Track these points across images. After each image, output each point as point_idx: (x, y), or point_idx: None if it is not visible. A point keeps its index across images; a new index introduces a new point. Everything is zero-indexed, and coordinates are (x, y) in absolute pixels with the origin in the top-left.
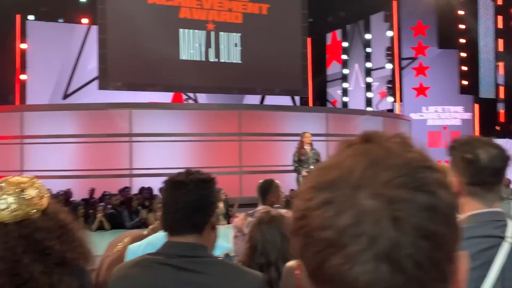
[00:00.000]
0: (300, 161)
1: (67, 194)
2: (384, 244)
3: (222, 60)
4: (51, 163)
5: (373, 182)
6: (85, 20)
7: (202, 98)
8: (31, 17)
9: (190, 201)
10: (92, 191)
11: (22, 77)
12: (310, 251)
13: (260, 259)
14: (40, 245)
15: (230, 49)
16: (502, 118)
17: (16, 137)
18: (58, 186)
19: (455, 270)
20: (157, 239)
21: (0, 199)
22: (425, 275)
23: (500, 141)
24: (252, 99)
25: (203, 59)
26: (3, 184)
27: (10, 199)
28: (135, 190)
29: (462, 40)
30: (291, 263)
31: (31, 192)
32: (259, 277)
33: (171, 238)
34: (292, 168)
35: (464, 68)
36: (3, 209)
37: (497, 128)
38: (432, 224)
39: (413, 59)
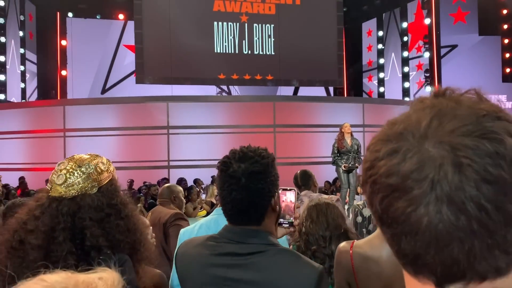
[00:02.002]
0: (339, 153)
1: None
2: (446, 187)
3: (256, 52)
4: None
5: (438, 132)
6: (121, 16)
7: (236, 90)
8: (70, 14)
9: (242, 197)
10: (131, 182)
11: (63, 72)
12: (377, 197)
13: (325, 232)
14: (79, 225)
15: (264, 41)
16: None
17: (59, 130)
18: None
19: None
20: (209, 221)
21: (59, 174)
22: (489, 218)
23: None
24: (286, 90)
25: (237, 51)
26: (65, 160)
27: (68, 174)
28: (172, 181)
29: (505, 26)
30: (344, 244)
31: (89, 168)
32: (317, 269)
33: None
34: (329, 160)
35: (507, 55)
36: (60, 184)
37: None
38: (496, 169)
39: (453, 46)
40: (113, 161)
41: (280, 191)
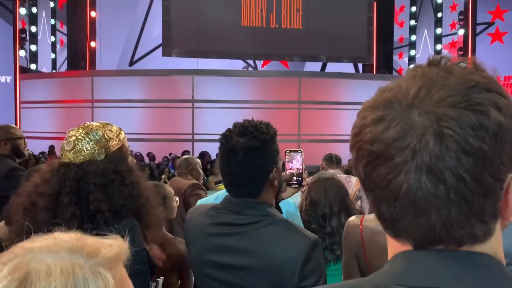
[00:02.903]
0: None
1: (136, 157)
2: (426, 156)
3: (284, 26)
4: (118, 126)
5: (425, 101)
6: None
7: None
8: None
9: (239, 171)
10: (153, 156)
11: (92, 44)
12: (362, 163)
13: (324, 210)
14: (84, 189)
15: (292, 15)
16: None
17: (87, 101)
18: None
19: (502, 189)
20: (225, 192)
21: (69, 140)
22: (467, 188)
23: None
24: (313, 66)
25: (264, 25)
26: (75, 127)
27: (77, 141)
28: (196, 154)
29: None
30: (353, 218)
31: (97, 135)
32: (310, 238)
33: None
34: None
35: None
36: (69, 150)
37: None
38: (477, 141)
39: (489, 24)
40: (138, 133)
41: (286, 153)
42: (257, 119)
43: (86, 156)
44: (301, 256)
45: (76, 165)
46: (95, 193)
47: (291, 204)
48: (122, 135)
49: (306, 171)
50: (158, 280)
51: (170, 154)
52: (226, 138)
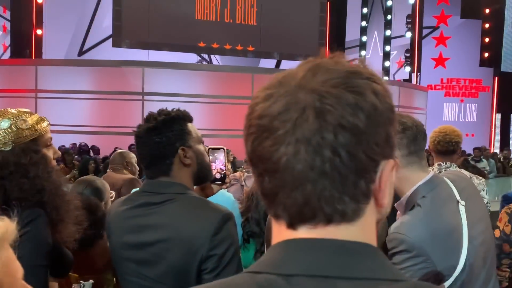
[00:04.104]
0: None
1: (81, 148)
2: (306, 129)
3: (238, 22)
4: (64, 117)
5: (311, 82)
6: None
7: (216, 60)
8: None
9: (145, 152)
10: (97, 150)
11: (38, 31)
12: (250, 138)
13: (260, 210)
14: None
15: (247, 10)
16: None
17: (31, 91)
18: (70, 141)
19: (376, 172)
20: None
21: None
22: (342, 163)
23: None
24: (268, 62)
25: (219, 19)
26: None
27: None
28: None
29: (487, 10)
30: None
31: (6, 124)
32: (221, 212)
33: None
34: None
35: (487, 39)
36: None
37: None
38: (352, 118)
39: (434, 28)
40: (84, 125)
41: (208, 150)
42: (210, 113)
43: None
44: (212, 226)
45: None
46: None
47: (228, 199)
48: (42, 126)
49: (230, 169)
50: (82, 283)
51: (116, 148)
52: (137, 128)
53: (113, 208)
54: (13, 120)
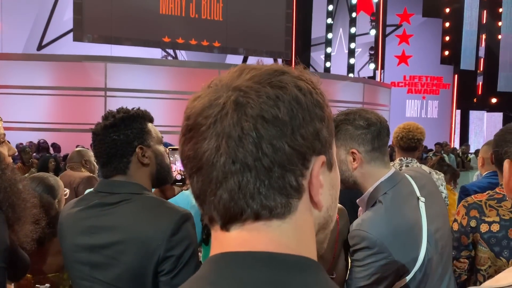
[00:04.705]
0: None
1: (40, 145)
2: (226, 123)
3: (204, 17)
4: (22, 114)
5: (236, 81)
6: None
7: (182, 55)
8: None
9: (101, 150)
10: (58, 147)
11: None
12: (181, 140)
13: None
14: None
15: (212, 6)
16: (479, 91)
17: None
18: (29, 138)
19: (307, 167)
20: None
21: None
22: (265, 155)
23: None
24: (235, 58)
25: (184, 14)
26: None
27: None
28: None
29: (447, 10)
30: None
31: None
32: (179, 213)
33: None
34: None
35: (447, 38)
36: None
37: (474, 100)
38: (272, 109)
39: (398, 26)
40: (44, 122)
41: (169, 150)
42: (175, 109)
43: None
44: (169, 227)
45: None
46: None
47: (188, 198)
48: None
49: None
50: (38, 287)
51: (77, 146)
52: (95, 125)
53: (66, 209)
54: None
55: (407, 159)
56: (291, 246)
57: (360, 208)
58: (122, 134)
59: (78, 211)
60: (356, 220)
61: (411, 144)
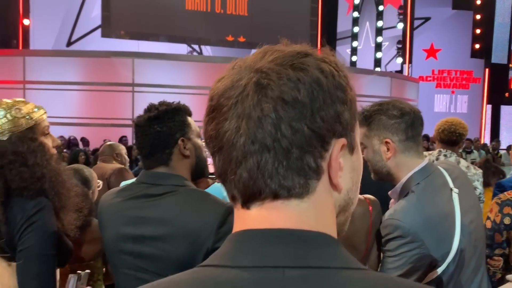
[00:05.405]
0: None
1: (70, 142)
2: (246, 104)
3: (229, 12)
4: (52, 109)
5: (259, 62)
6: None
7: (207, 50)
8: None
9: (145, 141)
10: (87, 141)
11: (25, 22)
12: (205, 120)
13: None
14: None
15: (237, 1)
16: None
17: (19, 82)
18: (59, 132)
19: (326, 149)
20: None
21: None
22: (283, 136)
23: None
24: None
25: (209, 10)
26: None
27: None
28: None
29: (478, 1)
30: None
31: (0, 114)
32: (224, 206)
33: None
34: None
35: (478, 31)
36: None
37: (506, 94)
38: (292, 91)
39: (426, 19)
40: (73, 117)
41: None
42: (201, 104)
43: None
44: (217, 219)
45: None
46: None
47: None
48: (38, 115)
49: None
50: (80, 273)
51: (105, 140)
52: (137, 118)
53: (107, 199)
54: (8, 109)
55: (446, 151)
56: (310, 223)
57: (392, 200)
58: (165, 126)
59: (121, 201)
60: (389, 210)
61: (451, 138)
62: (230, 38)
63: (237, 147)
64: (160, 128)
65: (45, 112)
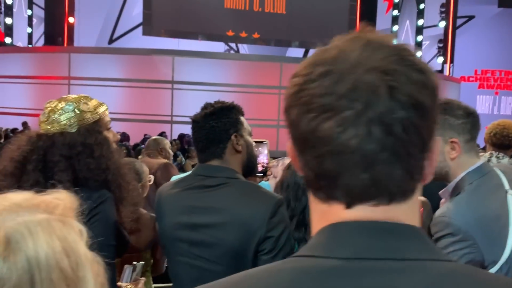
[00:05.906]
0: None
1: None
2: (379, 108)
3: (267, 10)
4: None
5: (370, 59)
6: None
7: (244, 48)
8: None
9: (201, 136)
10: (127, 136)
11: (70, 19)
12: (306, 118)
13: (289, 193)
14: (50, 159)
15: None
16: None
17: (64, 78)
18: None
19: (432, 145)
20: None
21: (44, 112)
22: (409, 140)
23: None
24: (296, 52)
25: (247, 8)
26: (53, 100)
27: (51, 113)
28: (174, 136)
29: None
30: None
31: (70, 108)
32: (274, 198)
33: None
34: None
35: None
36: (44, 121)
37: None
38: (420, 95)
39: (470, 17)
40: (114, 112)
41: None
42: (238, 102)
43: (59, 128)
44: (268, 209)
45: (47, 136)
46: (59, 163)
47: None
48: (101, 109)
49: (272, 160)
50: (135, 264)
51: (145, 135)
52: (194, 116)
53: (164, 190)
54: (76, 103)
55: (498, 153)
56: (410, 220)
57: (442, 200)
58: (220, 122)
59: (178, 192)
60: (440, 208)
61: (504, 142)
62: (267, 37)
63: (364, 153)
64: (215, 124)
65: (107, 108)
